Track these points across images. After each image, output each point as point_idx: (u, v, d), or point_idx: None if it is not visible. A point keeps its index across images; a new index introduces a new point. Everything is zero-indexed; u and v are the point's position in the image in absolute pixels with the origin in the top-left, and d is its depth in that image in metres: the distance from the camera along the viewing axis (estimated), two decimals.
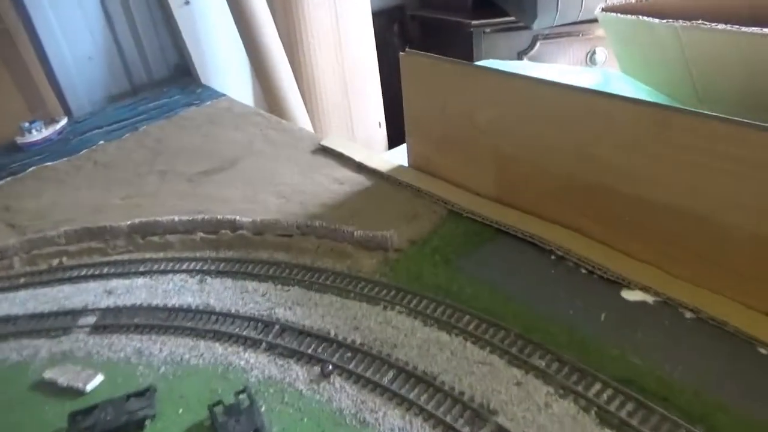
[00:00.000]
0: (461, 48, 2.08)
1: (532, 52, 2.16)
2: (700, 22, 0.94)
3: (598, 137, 0.74)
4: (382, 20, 2.06)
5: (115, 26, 1.78)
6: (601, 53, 2.12)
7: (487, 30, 2.11)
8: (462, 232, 0.91)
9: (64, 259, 1.02)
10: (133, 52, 1.82)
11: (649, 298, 0.73)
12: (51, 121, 1.57)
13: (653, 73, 1.14)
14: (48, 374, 0.70)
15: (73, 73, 1.53)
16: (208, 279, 0.93)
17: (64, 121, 1.44)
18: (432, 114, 0.96)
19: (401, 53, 1.02)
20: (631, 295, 0.74)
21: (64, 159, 1.31)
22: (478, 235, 0.89)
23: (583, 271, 0.82)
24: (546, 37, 2.13)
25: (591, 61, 2.15)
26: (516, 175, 0.88)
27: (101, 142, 1.38)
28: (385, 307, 0.77)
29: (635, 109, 0.69)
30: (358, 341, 0.77)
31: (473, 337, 0.71)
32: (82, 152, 1.33)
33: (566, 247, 0.81)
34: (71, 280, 0.91)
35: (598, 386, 0.61)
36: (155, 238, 1.04)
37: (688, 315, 0.69)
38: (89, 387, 0.69)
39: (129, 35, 1.81)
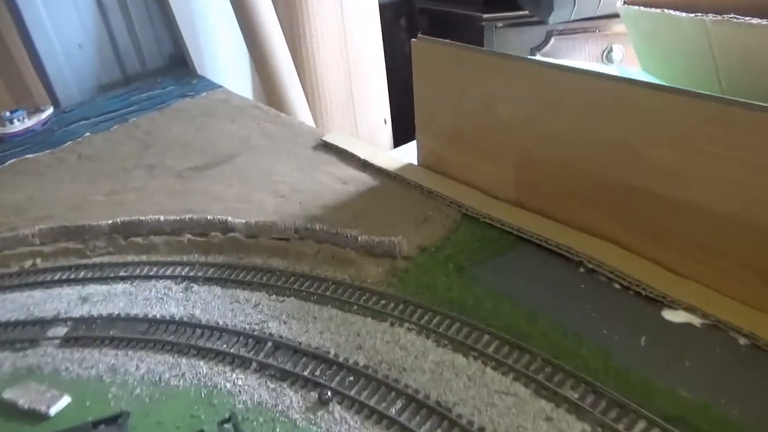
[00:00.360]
0: (471, 43, 2.01)
1: (546, 48, 2.08)
2: (731, 15, 0.89)
3: (639, 133, 0.68)
4: (389, 13, 2.01)
5: (107, 13, 1.70)
6: (618, 51, 2.03)
7: (499, 24, 2.04)
8: (478, 238, 0.88)
9: (38, 260, 0.94)
10: (126, 40, 1.75)
11: (695, 320, 0.66)
12: (35, 110, 1.49)
13: (676, 71, 1.11)
14: (8, 394, 0.62)
15: (61, 61, 1.46)
16: (195, 286, 0.86)
17: (49, 111, 1.37)
18: (446, 107, 0.91)
19: (413, 40, 0.96)
20: (674, 316, 0.67)
21: (47, 151, 1.26)
22: (497, 243, 0.87)
23: (617, 286, 0.75)
24: (561, 32, 2.06)
25: (607, 58, 2.07)
26: (541, 176, 0.82)
27: (87, 133, 1.33)
28: (392, 324, 0.72)
29: (686, 101, 0.61)
30: (362, 363, 0.70)
31: (494, 360, 0.64)
32: (66, 144, 1.28)
33: (598, 259, 0.75)
34: (44, 284, 0.85)
35: (642, 425, 0.55)
36: (138, 240, 0.97)
37: (743, 341, 0.62)
38: (53, 411, 0.61)
39: (122, 22, 1.73)
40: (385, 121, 2.09)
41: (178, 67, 1.82)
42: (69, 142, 1.29)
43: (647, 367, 0.60)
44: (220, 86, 1.64)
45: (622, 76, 0.71)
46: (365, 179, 1.06)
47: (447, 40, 0.92)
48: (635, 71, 1.22)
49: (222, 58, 1.84)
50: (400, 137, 1.98)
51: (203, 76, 1.75)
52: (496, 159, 0.91)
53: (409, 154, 1.12)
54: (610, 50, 2.09)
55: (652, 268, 0.71)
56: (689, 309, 0.66)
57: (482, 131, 0.92)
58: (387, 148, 2.10)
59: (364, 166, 1.10)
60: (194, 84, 1.69)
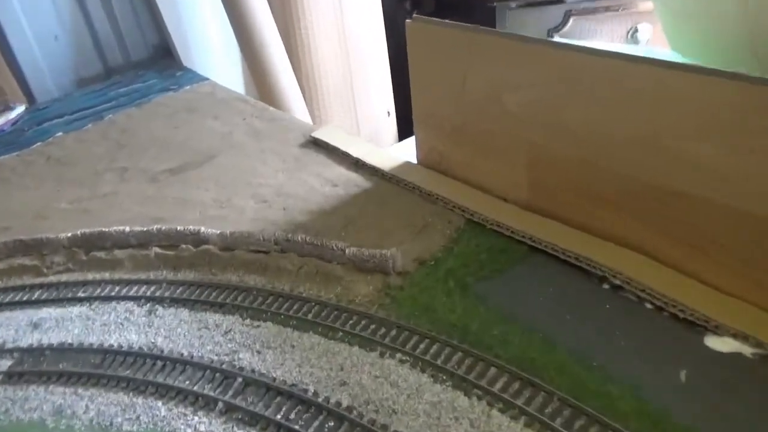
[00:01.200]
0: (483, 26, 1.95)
1: (565, 29, 2.00)
2: None
3: (674, 125, 0.62)
4: None
5: (86, 0, 1.63)
6: (645, 30, 1.93)
7: (513, 5, 1.97)
8: (485, 249, 0.82)
9: None
10: (107, 30, 1.68)
11: (746, 349, 0.61)
12: (4, 108, 1.43)
13: (711, 52, 1.06)
14: None
15: (36, 54, 1.42)
16: (160, 309, 0.80)
17: (20, 109, 1.32)
18: (447, 97, 0.89)
19: (407, 21, 0.90)
20: (719, 344, 0.61)
21: (14, 153, 1.23)
22: (507, 254, 0.81)
23: (650, 306, 0.68)
24: (580, 12, 1.97)
25: (633, 39, 1.97)
26: (557, 176, 0.78)
27: (59, 133, 1.29)
28: (382, 354, 0.66)
29: (732, 86, 0.52)
30: (345, 403, 0.63)
31: (501, 401, 0.60)
32: (35, 145, 1.25)
33: (626, 273, 0.69)
34: None
35: None
36: (101, 254, 0.91)
37: None
38: None
39: (101, 11, 1.67)
40: (389, 113, 2.02)
41: (163, 58, 1.75)
42: (38, 143, 1.26)
43: (688, 410, 0.54)
44: (207, 79, 1.58)
45: (651, 58, 0.64)
46: (357, 181, 1.00)
47: (446, 20, 0.85)
48: (665, 52, 1.15)
49: (210, 48, 1.78)
50: (407, 130, 1.92)
51: (189, 68, 1.68)
52: (505, 156, 0.85)
53: (410, 150, 1.06)
54: (636, 30, 1.99)
55: (691, 285, 0.65)
56: (738, 335, 0.59)
57: (488, 124, 0.86)
58: (392, 142, 2.04)
59: (357, 165, 1.04)
60: (178, 77, 1.62)
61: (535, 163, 0.82)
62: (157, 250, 0.90)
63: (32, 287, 0.88)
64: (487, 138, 0.87)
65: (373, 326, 0.70)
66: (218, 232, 0.89)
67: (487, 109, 0.85)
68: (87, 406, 0.68)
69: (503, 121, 0.83)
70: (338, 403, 0.62)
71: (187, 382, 0.67)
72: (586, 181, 0.76)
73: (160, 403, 0.67)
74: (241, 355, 0.71)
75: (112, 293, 0.84)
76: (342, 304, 0.75)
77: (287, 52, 1.66)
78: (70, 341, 0.77)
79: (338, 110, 1.87)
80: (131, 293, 0.84)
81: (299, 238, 0.84)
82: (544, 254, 0.78)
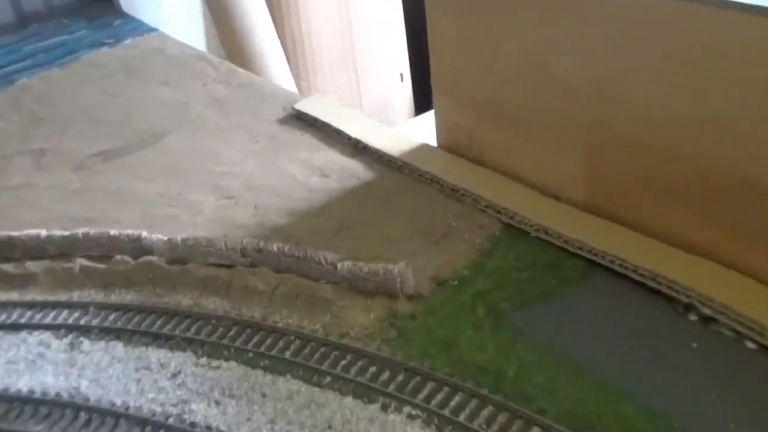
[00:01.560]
0: None
1: None
2: None
3: None
4: None
5: None
6: None
7: None
8: (528, 264, 0.83)
9: None
10: None
11: None
12: None
13: None
14: None
15: None
16: (85, 342, 0.81)
17: None
18: (476, 62, 0.91)
19: None
20: None
21: None
22: (557, 272, 0.82)
23: (752, 346, 0.69)
24: None
25: None
26: (625, 166, 0.79)
27: None
28: (385, 406, 0.68)
29: None
30: None
31: None
32: None
33: (721, 301, 0.71)
34: None
35: None
36: (7, 267, 0.92)
37: None
38: None
39: None
40: (402, 76, 2.06)
41: (96, 3, 1.77)
42: None
43: None
44: (155, 30, 1.60)
45: (752, 5, 0.64)
46: (356, 170, 1.02)
47: None
48: None
49: None
50: (426, 103, 1.94)
51: (131, 16, 1.70)
52: (556, 139, 0.87)
53: (427, 129, 1.10)
54: None
55: None
56: None
57: (531, 98, 0.87)
58: (405, 116, 2.08)
59: (356, 148, 1.06)
60: (116, 27, 1.64)
61: (596, 148, 0.83)
62: (84, 262, 0.91)
63: None
64: (531, 115, 0.89)
65: (373, 369, 0.71)
66: (166, 238, 0.90)
67: (528, 77, 0.87)
68: None
69: (550, 94, 0.85)
70: None
71: None
72: (669, 176, 0.77)
73: None
74: (193, 407, 0.71)
75: (22, 320, 0.85)
76: (331, 338, 0.76)
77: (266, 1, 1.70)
78: None
79: (333, 75, 1.90)
80: (47, 320, 0.85)
81: (275, 248, 0.85)
82: (607, 272, 0.80)
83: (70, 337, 0.82)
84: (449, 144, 1.00)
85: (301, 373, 0.73)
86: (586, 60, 0.79)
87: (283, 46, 1.68)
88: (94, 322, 0.83)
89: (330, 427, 0.67)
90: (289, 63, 1.71)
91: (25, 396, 0.75)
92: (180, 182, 1.04)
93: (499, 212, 0.88)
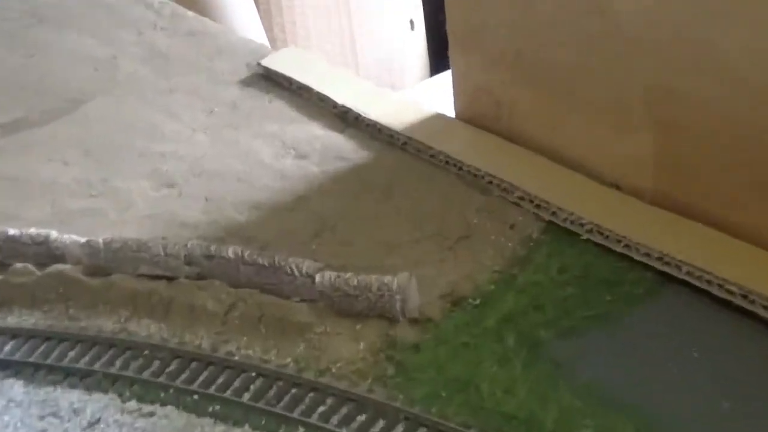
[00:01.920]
0: None
1: None
2: None
3: None
4: None
5: None
6: None
7: None
8: (575, 277, 0.84)
9: None
10: None
11: None
12: None
13: None
14: None
15: None
16: None
17: None
18: (508, 1, 0.91)
19: None
20: None
21: None
22: (616, 287, 0.83)
23: None
24: None
25: None
26: (709, 147, 0.81)
27: None
28: None
29: None
30: None
31: None
32: None
33: None
34: None
35: None
36: None
37: None
38: None
39: None
40: (412, 23, 2.08)
41: None
42: None
43: None
44: None
45: None
46: (344, 149, 1.04)
47: None
48: None
49: None
50: (445, 56, 1.95)
51: None
52: (615, 109, 0.87)
53: (443, 95, 1.12)
54: None
55: None
56: None
57: (584, 53, 0.88)
58: (415, 78, 2.10)
59: (344, 120, 1.08)
60: None
61: (671, 123, 0.84)
62: None
63: None
64: (583, 76, 0.90)
65: (361, 418, 0.73)
66: (83, 240, 0.91)
67: (579, 22, 0.87)
68: None
69: (611, 46, 0.86)
70: None
71: None
72: (760, 159, 0.78)
73: None
74: None
75: None
76: (306, 375, 0.77)
77: None
78: None
79: (320, 22, 1.92)
80: None
81: (231, 254, 0.86)
82: (683, 286, 0.80)
83: None
84: (471, 114, 1.01)
85: (264, 422, 0.74)
86: (660, 2, 0.79)
87: None
88: None
89: None
90: (258, 6, 1.73)
91: None
92: (105, 165, 1.05)
93: (537, 206, 0.89)
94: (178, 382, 0.79)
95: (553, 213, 0.90)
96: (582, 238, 0.87)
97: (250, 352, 0.82)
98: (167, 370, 0.81)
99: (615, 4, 0.84)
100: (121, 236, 0.92)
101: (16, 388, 0.81)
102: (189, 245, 0.88)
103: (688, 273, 0.80)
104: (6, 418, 0.79)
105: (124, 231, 0.93)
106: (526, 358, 0.77)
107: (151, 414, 0.77)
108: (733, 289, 0.77)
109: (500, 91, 0.97)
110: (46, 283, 0.90)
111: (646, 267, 0.83)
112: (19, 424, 0.78)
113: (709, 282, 0.79)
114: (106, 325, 0.86)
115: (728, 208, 0.83)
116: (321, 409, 0.75)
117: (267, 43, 1.74)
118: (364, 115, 1.06)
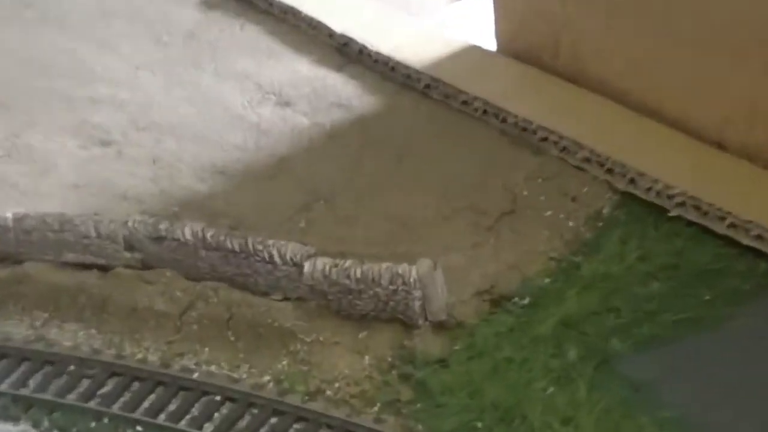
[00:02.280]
0: None
1: None
2: None
3: None
4: None
5: None
6: None
7: None
8: (661, 266, 0.67)
9: None
10: None
11: None
12: None
13: None
14: None
15: None
16: None
17: None
18: None
19: None
20: None
21: None
22: (716, 278, 0.74)
23: None
24: None
25: None
26: None
27: None
28: None
29: None
30: None
31: None
32: None
33: None
34: None
35: None
36: None
37: None
38: None
39: None
40: None
41: None
42: None
43: None
44: None
45: None
46: (344, 93, 0.94)
47: None
48: None
49: None
50: None
51: None
52: (717, 44, 0.73)
53: (480, 19, 1.01)
54: None
55: None
56: None
57: None
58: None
59: (344, 54, 0.92)
60: None
61: None
62: None
63: None
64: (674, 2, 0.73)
65: None
66: None
67: None
68: None
69: None
70: None
71: None
72: None
73: None
74: None
75: None
76: (291, 399, 0.65)
77: None
78: None
79: None
80: None
81: (189, 235, 0.72)
82: None
83: None
84: (519, 47, 0.90)
85: None
86: None
87: None
88: None
89: None
90: None
91: None
92: (15, 115, 0.91)
93: (610, 171, 0.73)
94: (114, 408, 0.65)
95: (632, 180, 0.71)
96: (671, 214, 0.70)
97: (214, 368, 0.67)
98: (100, 391, 0.66)
99: None
100: (37, 211, 0.72)
101: None
102: (130, 223, 0.71)
103: None
104: None
105: (41, 204, 0.74)
106: (594, 377, 0.63)
107: None
108: None
109: (562, 16, 0.83)
110: None
111: (759, 254, 0.68)
112: None
113: None
114: (16, 331, 0.71)
115: None
116: None
117: None
118: (370, 47, 0.86)
